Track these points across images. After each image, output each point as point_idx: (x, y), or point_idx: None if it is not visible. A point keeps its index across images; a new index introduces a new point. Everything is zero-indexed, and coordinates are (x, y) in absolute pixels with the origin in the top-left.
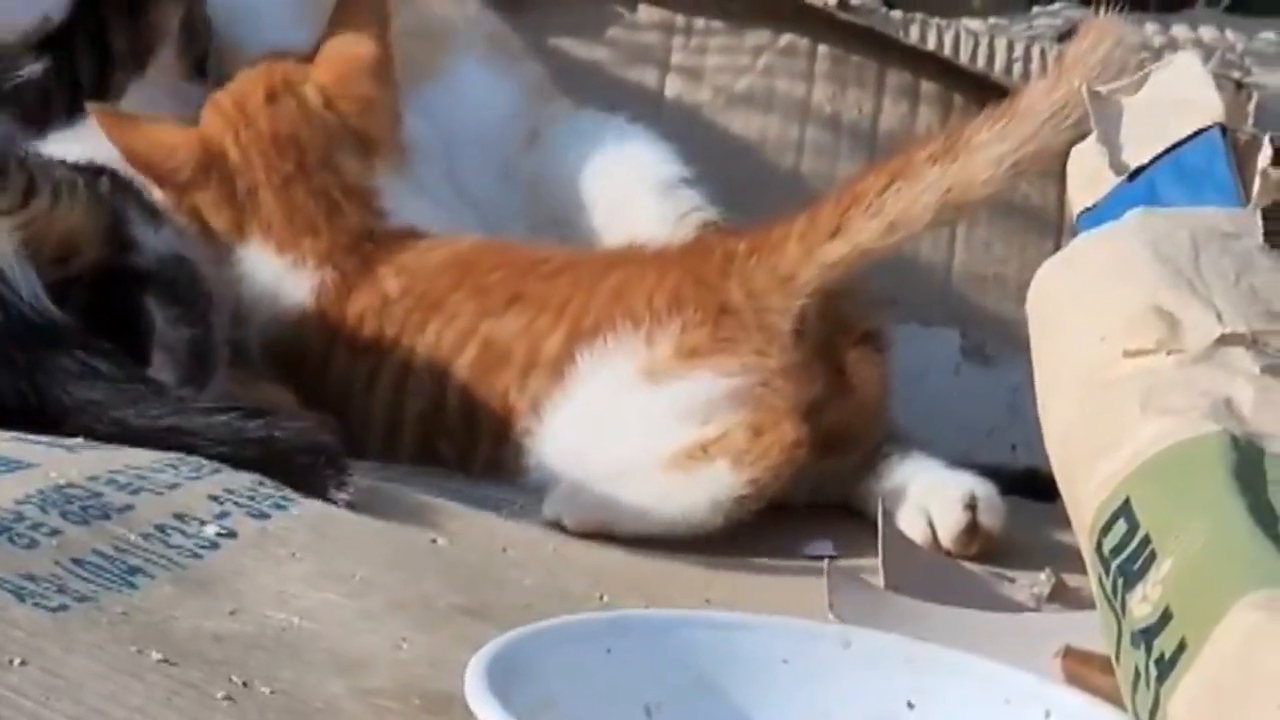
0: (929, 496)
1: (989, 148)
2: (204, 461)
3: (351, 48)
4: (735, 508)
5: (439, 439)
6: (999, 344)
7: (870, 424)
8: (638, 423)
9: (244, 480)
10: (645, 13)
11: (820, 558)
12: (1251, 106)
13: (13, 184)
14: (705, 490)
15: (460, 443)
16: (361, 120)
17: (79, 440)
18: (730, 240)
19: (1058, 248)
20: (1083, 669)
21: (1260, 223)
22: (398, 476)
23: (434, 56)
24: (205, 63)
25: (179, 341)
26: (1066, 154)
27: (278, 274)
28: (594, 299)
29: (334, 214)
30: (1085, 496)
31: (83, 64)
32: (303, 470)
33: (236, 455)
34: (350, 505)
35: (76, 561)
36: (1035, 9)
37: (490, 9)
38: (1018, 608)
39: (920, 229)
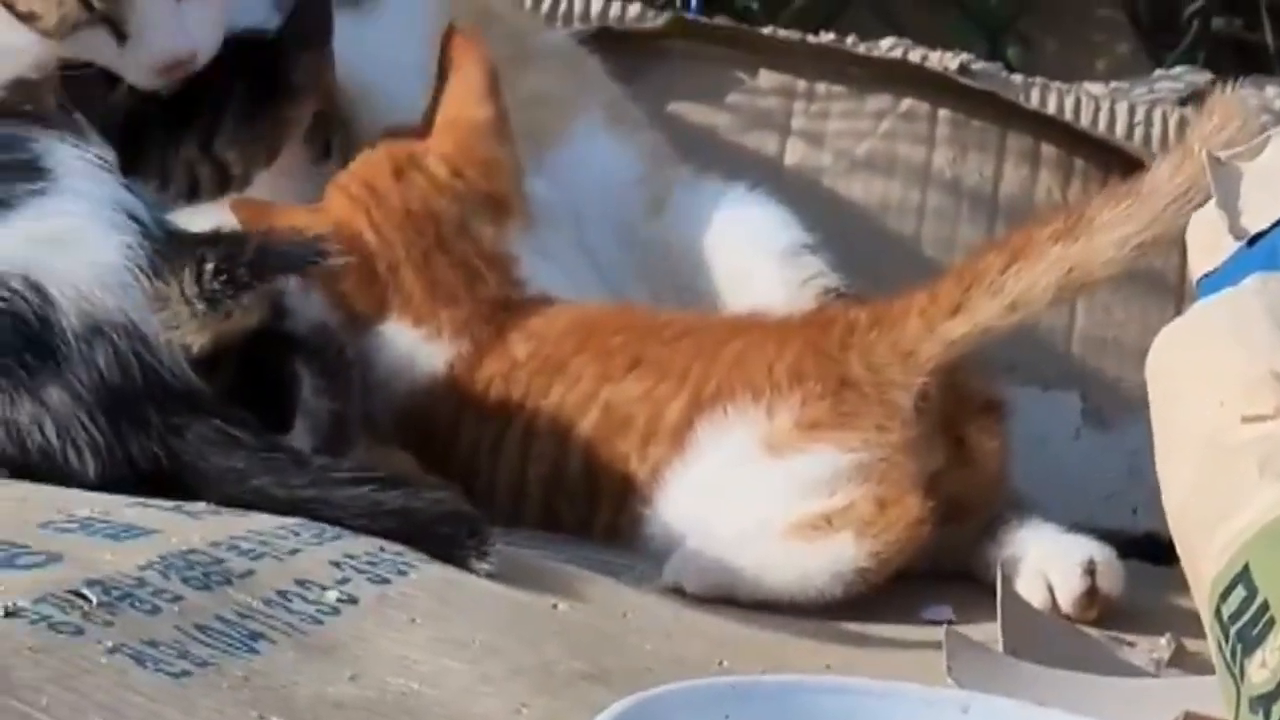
0: (1048, 562)
1: (1112, 229)
2: (325, 526)
3: (466, 112)
4: (856, 579)
5: (561, 502)
6: (1118, 408)
7: (990, 495)
8: (758, 494)
9: (365, 545)
10: (766, 78)
11: (939, 622)
12: None
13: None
14: (827, 560)
15: (581, 507)
16: (489, 183)
17: (202, 506)
18: (851, 312)
19: (1178, 313)
20: None
21: None
22: (519, 541)
23: (556, 123)
24: (331, 145)
25: (321, 410)
26: None
27: (413, 345)
28: (715, 367)
29: (475, 283)
30: (1204, 561)
31: (202, 170)
32: (443, 540)
33: (376, 526)
34: (490, 575)
35: (199, 627)
36: (1157, 73)
37: (610, 75)
38: (1137, 672)
39: (1041, 308)
